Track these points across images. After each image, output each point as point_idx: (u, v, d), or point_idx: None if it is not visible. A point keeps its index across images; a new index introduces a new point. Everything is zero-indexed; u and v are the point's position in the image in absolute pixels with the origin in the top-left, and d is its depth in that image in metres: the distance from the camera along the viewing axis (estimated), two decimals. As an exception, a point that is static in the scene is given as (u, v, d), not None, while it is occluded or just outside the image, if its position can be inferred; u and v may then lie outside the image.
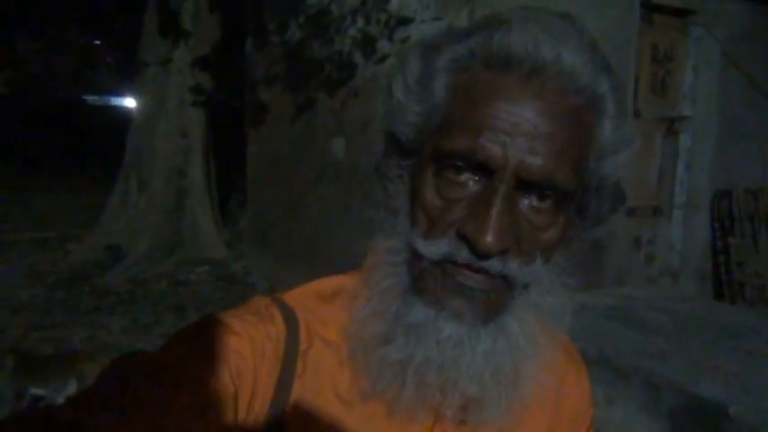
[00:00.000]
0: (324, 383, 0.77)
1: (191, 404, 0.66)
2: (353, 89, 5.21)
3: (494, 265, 0.68)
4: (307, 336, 0.79)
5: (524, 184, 0.67)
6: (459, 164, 0.69)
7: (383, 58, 4.91)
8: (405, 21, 4.73)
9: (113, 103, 28.17)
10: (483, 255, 0.67)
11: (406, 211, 0.74)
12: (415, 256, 0.72)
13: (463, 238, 0.68)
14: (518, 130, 0.66)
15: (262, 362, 0.74)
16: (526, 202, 0.69)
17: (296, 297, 0.83)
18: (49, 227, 8.23)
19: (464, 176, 0.69)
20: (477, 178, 0.69)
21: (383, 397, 0.73)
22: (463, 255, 0.68)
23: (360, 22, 5.18)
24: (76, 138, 16.24)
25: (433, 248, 0.69)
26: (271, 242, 6.69)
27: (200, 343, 0.73)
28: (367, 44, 5.08)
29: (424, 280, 0.71)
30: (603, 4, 4.46)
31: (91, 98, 28.79)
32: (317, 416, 0.76)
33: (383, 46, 4.93)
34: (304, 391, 0.76)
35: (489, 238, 0.65)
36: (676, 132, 5.14)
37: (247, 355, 0.73)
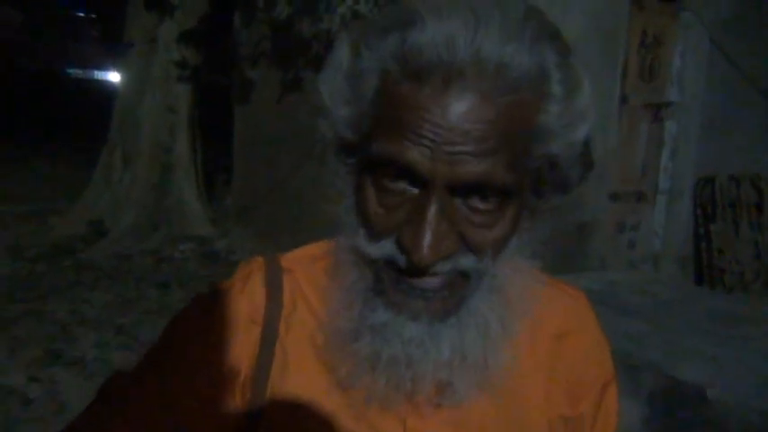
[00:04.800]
0: (305, 347, 0.79)
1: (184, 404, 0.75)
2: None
3: (438, 267, 0.66)
4: (291, 299, 0.81)
5: (458, 189, 0.65)
6: (393, 171, 0.66)
7: (372, 37, 4.87)
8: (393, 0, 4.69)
9: (97, 77, 27.76)
10: (419, 267, 0.65)
11: (352, 210, 0.73)
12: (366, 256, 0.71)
13: (401, 247, 0.66)
14: (442, 138, 0.62)
15: (240, 331, 0.78)
16: (465, 206, 0.66)
17: (291, 258, 0.86)
18: (32, 200, 8.15)
19: (400, 184, 0.67)
20: (412, 185, 0.67)
21: (358, 387, 0.74)
22: (403, 262, 0.67)
23: (349, 1, 5.13)
24: (59, 111, 16.03)
25: (377, 250, 0.68)
26: (256, 220, 6.67)
27: (170, 350, 0.80)
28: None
29: (381, 281, 0.70)
30: (594, -12, 4.45)
31: (74, 71, 28.37)
32: (296, 382, 0.78)
33: (372, 25, 4.89)
34: (285, 354, 0.79)
35: (424, 252, 0.63)
36: (662, 118, 5.17)
37: (225, 332, 0.78)
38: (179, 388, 0.76)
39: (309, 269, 0.83)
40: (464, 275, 0.69)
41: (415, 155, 0.62)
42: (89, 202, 7.27)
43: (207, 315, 0.80)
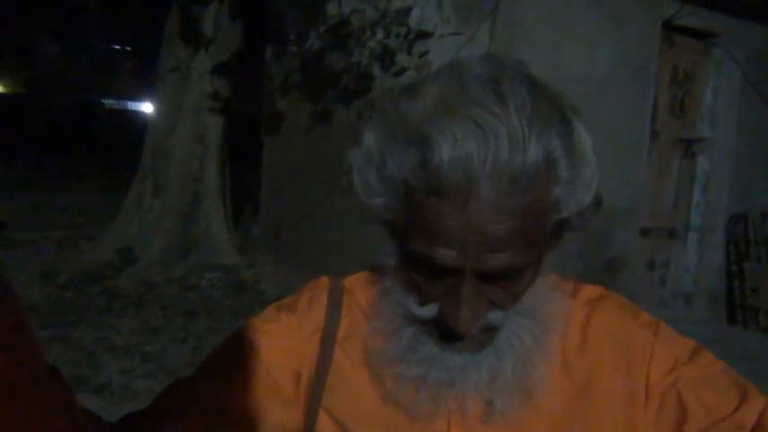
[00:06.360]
0: (360, 354, 0.90)
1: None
2: (370, 101, 5.22)
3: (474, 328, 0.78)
4: (350, 311, 0.94)
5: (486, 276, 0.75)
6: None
7: (401, 71, 4.92)
8: (424, 35, 4.74)
9: (131, 108, 28.39)
10: (459, 335, 0.77)
11: (400, 271, 0.82)
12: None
13: (443, 315, 0.78)
14: (467, 241, 0.71)
15: (304, 339, 0.92)
16: (492, 280, 0.76)
17: (352, 279, 0.99)
18: (63, 227, 8.29)
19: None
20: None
21: (404, 402, 0.84)
22: (445, 327, 0.78)
23: (379, 35, 5.20)
24: (93, 140, 16.37)
25: (425, 311, 0.80)
26: (283, 250, 6.70)
27: (238, 356, 0.92)
28: (386, 57, 5.10)
29: (426, 325, 0.81)
30: (624, 24, 4.45)
31: (108, 102, 29.04)
32: (351, 385, 0.90)
33: (402, 59, 4.95)
34: (342, 359, 0.91)
35: (461, 325, 0.75)
36: (694, 154, 5.12)
37: (282, 344, 0.91)
38: (243, 391, 0.88)
39: (367, 289, 0.95)
40: (492, 327, 0.80)
41: (446, 258, 0.73)
42: (119, 229, 7.38)
43: (275, 325, 0.94)
